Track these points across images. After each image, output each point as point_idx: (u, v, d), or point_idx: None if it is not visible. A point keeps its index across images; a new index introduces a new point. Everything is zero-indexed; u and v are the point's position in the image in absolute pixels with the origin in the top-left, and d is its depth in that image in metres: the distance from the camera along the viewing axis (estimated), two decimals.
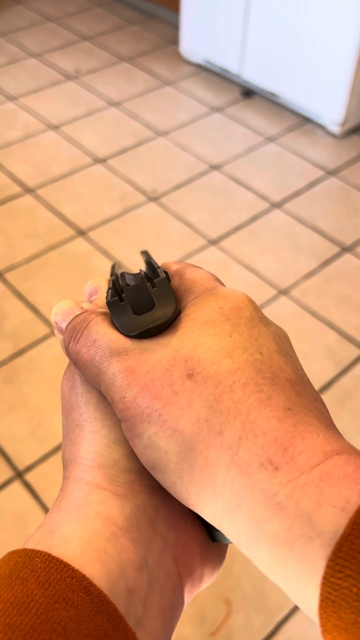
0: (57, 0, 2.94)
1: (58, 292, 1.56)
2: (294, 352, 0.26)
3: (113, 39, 2.65)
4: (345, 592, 0.18)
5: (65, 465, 0.26)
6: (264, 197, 1.88)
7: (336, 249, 1.72)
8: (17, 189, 1.87)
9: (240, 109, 2.26)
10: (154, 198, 1.86)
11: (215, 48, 2.33)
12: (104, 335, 0.25)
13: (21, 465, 1.22)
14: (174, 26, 2.67)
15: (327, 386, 1.38)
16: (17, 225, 1.76)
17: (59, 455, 1.23)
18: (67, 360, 0.30)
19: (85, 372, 0.25)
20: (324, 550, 0.19)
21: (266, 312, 1.54)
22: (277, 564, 0.20)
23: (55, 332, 0.29)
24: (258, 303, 1.55)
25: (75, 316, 0.28)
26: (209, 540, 0.26)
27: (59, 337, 0.29)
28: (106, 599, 0.21)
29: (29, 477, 1.20)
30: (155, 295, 0.26)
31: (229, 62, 2.31)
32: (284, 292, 1.59)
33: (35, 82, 2.36)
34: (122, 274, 0.30)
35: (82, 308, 0.28)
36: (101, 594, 0.21)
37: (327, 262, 1.68)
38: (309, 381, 0.25)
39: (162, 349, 0.24)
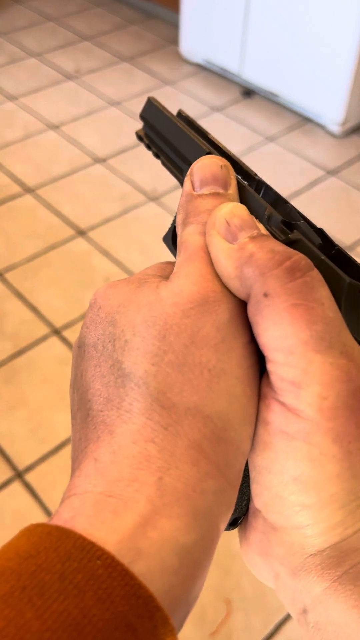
0: (57, 0, 2.94)
1: (58, 292, 1.56)
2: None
3: (113, 39, 2.65)
4: None
5: (167, 407, 0.20)
6: None
7: None
8: (17, 188, 1.87)
9: (240, 109, 2.26)
10: (153, 198, 1.86)
11: (215, 48, 2.33)
12: (334, 310, 0.21)
13: (21, 466, 1.22)
14: (174, 26, 2.67)
15: None
16: (17, 225, 1.76)
17: (59, 455, 1.23)
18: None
19: (283, 324, 0.20)
20: None
21: None
22: None
23: (215, 233, 0.22)
24: None
25: (268, 237, 0.22)
26: None
27: (219, 243, 0.22)
28: (169, 624, 0.17)
29: (29, 477, 1.20)
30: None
31: (229, 61, 2.31)
32: None
33: (35, 81, 2.36)
34: (303, 218, 0.25)
35: (258, 225, 0.23)
36: (166, 620, 0.16)
37: None
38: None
39: None
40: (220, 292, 0.22)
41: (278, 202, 0.27)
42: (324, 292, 0.21)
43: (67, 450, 1.24)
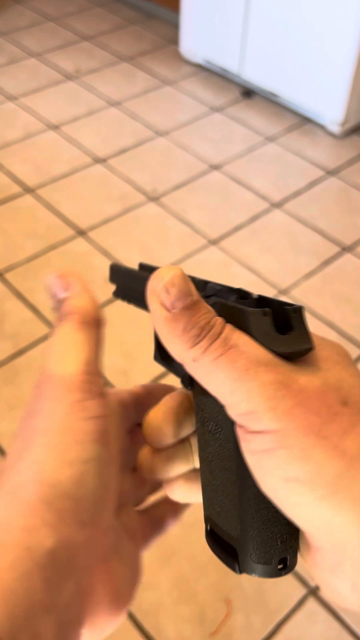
0: (57, 0, 2.94)
1: None
2: None
3: (113, 39, 2.65)
4: None
5: (2, 469, 0.24)
6: (264, 197, 1.88)
7: (336, 249, 1.72)
8: (17, 188, 1.87)
9: (240, 109, 2.26)
10: (154, 198, 1.86)
11: (215, 48, 2.33)
12: (248, 343, 0.24)
13: None
14: (174, 26, 2.67)
15: None
16: (17, 225, 1.76)
17: None
18: None
19: (216, 374, 0.24)
20: None
21: None
22: None
23: (154, 300, 0.26)
24: None
25: (195, 305, 0.25)
26: (121, 589, 0.25)
27: (157, 309, 0.25)
28: None
29: None
30: (295, 321, 0.25)
31: (229, 62, 2.31)
32: (284, 292, 1.59)
33: (35, 81, 2.36)
34: (222, 288, 0.28)
35: (198, 294, 0.26)
36: None
37: (327, 262, 1.68)
38: None
39: (309, 374, 0.24)
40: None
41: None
42: (235, 336, 0.24)
43: None
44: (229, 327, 0.25)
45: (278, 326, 0.25)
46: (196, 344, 0.24)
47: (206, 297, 0.27)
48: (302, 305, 0.26)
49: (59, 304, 0.29)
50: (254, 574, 0.25)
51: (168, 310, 0.25)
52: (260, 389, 0.23)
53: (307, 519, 0.23)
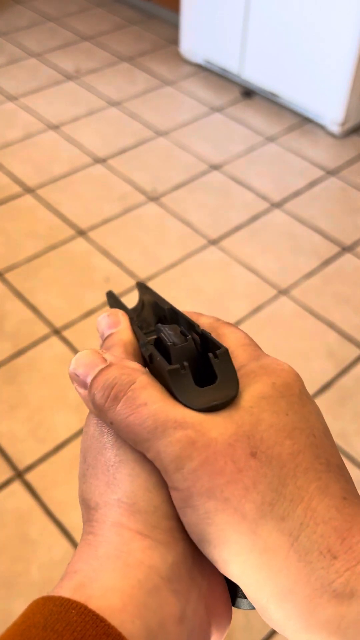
0: (57, 0, 2.94)
1: (58, 292, 1.56)
2: (329, 430, 0.26)
3: (113, 39, 2.65)
4: None
5: (94, 507, 0.25)
6: (264, 197, 1.88)
7: (336, 249, 1.72)
8: (17, 188, 1.87)
9: (240, 109, 2.26)
10: (154, 198, 1.86)
11: (215, 48, 2.33)
12: (157, 400, 0.24)
13: (21, 465, 1.22)
14: (174, 26, 2.67)
15: (327, 386, 1.39)
16: (17, 225, 1.76)
17: (59, 455, 1.24)
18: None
19: (128, 435, 0.24)
20: None
21: (266, 312, 1.54)
22: None
23: (75, 385, 0.27)
24: (258, 303, 1.56)
25: (104, 370, 0.26)
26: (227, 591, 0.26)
27: (80, 391, 0.27)
28: None
29: (29, 476, 1.20)
30: (218, 368, 0.25)
31: (229, 62, 2.31)
32: (284, 292, 1.59)
33: (35, 82, 2.36)
34: (158, 327, 0.28)
35: (105, 360, 0.27)
36: None
37: (327, 262, 1.68)
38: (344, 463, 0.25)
39: (223, 423, 0.23)
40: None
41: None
42: (144, 394, 0.24)
43: (67, 450, 1.24)
44: (139, 385, 0.25)
45: (203, 375, 0.25)
46: (108, 407, 0.25)
47: (158, 338, 0.28)
48: (226, 348, 0.25)
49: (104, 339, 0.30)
50: (243, 608, 0.26)
51: (85, 388, 0.27)
52: (167, 448, 0.23)
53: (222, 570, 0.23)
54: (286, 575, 0.21)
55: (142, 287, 0.32)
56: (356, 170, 2.00)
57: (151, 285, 1.59)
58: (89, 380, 0.26)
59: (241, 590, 0.25)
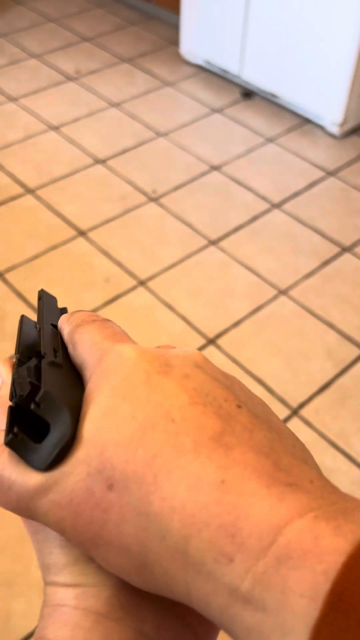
0: (58, 1, 2.94)
1: (59, 292, 1.57)
2: (214, 380, 0.23)
3: (113, 40, 2.66)
4: None
5: (41, 573, 0.27)
6: (263, 198, 1.88)
7: (336, 249, 1.72)
8: (17, 189, 1.87)
9: (240, 110, 2.27)
10: (154, 198, 1.87)
11: (215, 49, 2.34)
12: (18, 476, 0.23)
13: None
14: (174, 27, 2.67)
15: (326, 386, 1.39)
16: (18, 225, 1.76)
17: None
18: None
19: (16, 513, 0.24)
20: None
21: (266, 312, 1.54)
22: None
23: None
24: (258, 303, 1.56)
25: None
26: None
27: None
28: None
29: None
30: (45, 413, 0.22)
31: (229, 62, 2.32)
32: (283, 292, 1.60)
33: (35, 82, 2.37)
34: (16, 371, 0.26)
35: None
36: None
37: (326, 262, 1.68)
38: (240, 408, 0.22)
39: (74, 469, 0.22)
40: None
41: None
42: (7, 474, 0.23)
43: None
44: (1, 467, 0.24)
45: (39, 426, 0.23)
46: None
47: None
48: (44, 391, 0.22)
49: None
50: None
51: None
52: (45, 519, 0.22)
53: None
54: (196, 592, 0.19)
55: (40, 298, 0.31)
56: (355, 171, 2.01)
57: (151, 285, 1.60)
58: None
59: None
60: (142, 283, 1.60)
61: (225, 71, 2.38)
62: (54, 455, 0.22)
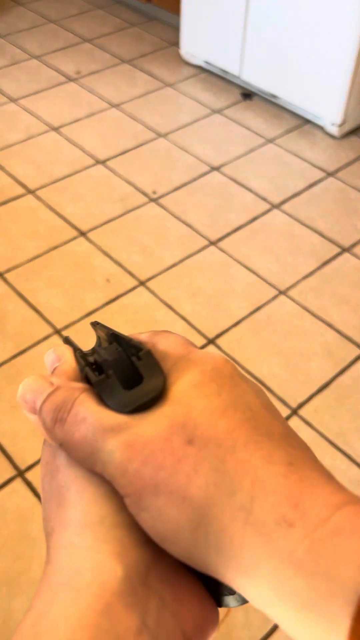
0: (58, 2, 2.95)
1: (59, 292, 1.57)
2: (273, 404, 0.26)
3: (113, 41, 2.66)
4: None
5: (50, 533, 0.25)
6: (263, 198, 1.89)
7: (335, 250, 1.73)
8: (18, 190, 1.88)
9: (240, 111, 2.27)
10: (154, 199, 1.87)
11: (215, 50, 2.34)
12: (94, 412, 0.25)
13: (23, 464, 1.23)
14: (174, 28, 2.68)
15: (325, 385, 1.39)
16: (19, 226, 1.77)
17: None
18: None
19: (77, 453, 0.25)
20: (347, 607, 0.19)
21: (265, 312, 1.55)
22: (300, 621, 0.20)
23: (25, 411, 0.27)
24: (257, 303, 1.57)
25: (52, 394, 0.26)
26: (206, 593, 0.25)
27: (31, 417, 0.27)
28: None
29: (30, 475, 1.21)
30: (142, 367, 0.26)
31: (228, 63, 2.32)
32: (283, 292, 1.60)
33: (36, 83, 2.37)
34: (93, 349, 0.29)
35: (52, 383, 0.27)
36: None
37: (326, 263, 1.69)
38: (294, 431, 0.25)
39: (156, 419, 0.24)
40: None
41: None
42: (82, 409, 0.25)
43: None
44: (78, 401, 0.25)
45: (130, 378, 0.26)
46: (58, 429, 0.25)
47: (95, 358, 0.28)
48: (148, 349, 0.26)
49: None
50: (232, 606, 0.26)
51: (35, 413, 0.27)
52: (109, 457, 0.23)
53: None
54: (248, 550, 0.21)
55: (95, 325, 0.34)
56: (355, 171, 2.01)
57: (152, 285, 1.61)
58: (38, 405, 0.27)
59: (227, 588, 0.25)
60: (142, 283, 1.61)
61: (225, 72, 2.38)
62: (142, 401, 0.25)
